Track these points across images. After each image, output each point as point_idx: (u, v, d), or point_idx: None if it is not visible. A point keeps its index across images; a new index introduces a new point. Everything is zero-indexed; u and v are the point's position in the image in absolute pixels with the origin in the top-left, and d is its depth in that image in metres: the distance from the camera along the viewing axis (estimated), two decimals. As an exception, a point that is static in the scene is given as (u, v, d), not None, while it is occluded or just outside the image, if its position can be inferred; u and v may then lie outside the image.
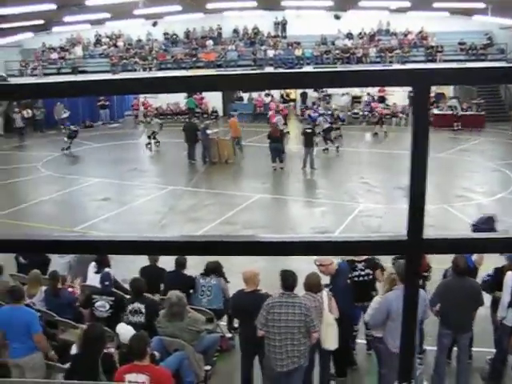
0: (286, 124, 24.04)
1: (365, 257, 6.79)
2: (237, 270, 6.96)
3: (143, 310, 6.73)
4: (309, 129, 18.18)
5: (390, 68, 1.32)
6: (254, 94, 28.67)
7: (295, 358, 5.57)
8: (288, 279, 5.68)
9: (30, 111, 27.99)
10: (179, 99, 29.75)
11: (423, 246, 1.42)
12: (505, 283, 6.34)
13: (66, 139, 21.84)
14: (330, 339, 6.06)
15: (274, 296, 5.70)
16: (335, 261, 6.66)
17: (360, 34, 30.25)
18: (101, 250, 2.09)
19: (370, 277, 6.90)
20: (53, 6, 22.60)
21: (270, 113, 24.36)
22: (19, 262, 8.81)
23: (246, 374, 6.52)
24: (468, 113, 25.35)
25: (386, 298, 5.74)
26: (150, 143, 22.39)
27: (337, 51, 29.35)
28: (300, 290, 6.05)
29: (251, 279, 6.30)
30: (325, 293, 6.10)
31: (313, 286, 6.12)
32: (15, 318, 6.08)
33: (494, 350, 6.66)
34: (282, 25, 31.66)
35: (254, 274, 6.34)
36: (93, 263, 8.15)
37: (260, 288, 6.42)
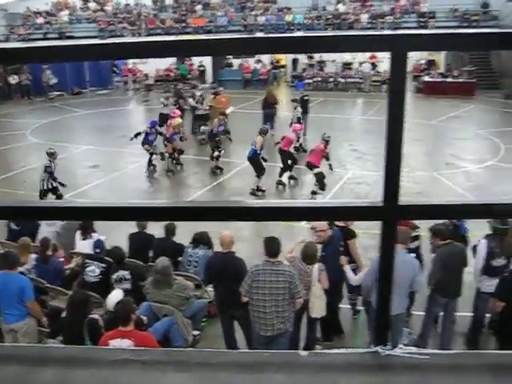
0: None
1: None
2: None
3: (128, 277, 6.78)
4: (306, 96, 18.01)
5: (368, 33, 1.32)
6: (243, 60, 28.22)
7: (280, 323, 5.64)
8: (272, 246, 5.71)
9: (16, 77, 27.46)
10: (168, 65, 29.27)
11: (399, 212, 1.44)
12: (478, 251, 6.42)
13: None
14: (318, 309, 6.21)
15: (258, 264, 5.75)
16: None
17: (352, -2, 29.79)
18: (90, 217, 2.12)
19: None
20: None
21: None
22: (11, 228, 8.78)
23: (229, 336, 6.62)
24: (459, 80, 25.29)
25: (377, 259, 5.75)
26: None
27: (328, 17, 28.96)
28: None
29: (227, 242, 6.42)
30: (316, 266, 6.16)
31: (309, 256, 6.22)
32: (9, 285, 6.10)
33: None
34: (272, -11, 31.14)
35: (230, 236, 6.46)
36: (78, 231, 8.18)
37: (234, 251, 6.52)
